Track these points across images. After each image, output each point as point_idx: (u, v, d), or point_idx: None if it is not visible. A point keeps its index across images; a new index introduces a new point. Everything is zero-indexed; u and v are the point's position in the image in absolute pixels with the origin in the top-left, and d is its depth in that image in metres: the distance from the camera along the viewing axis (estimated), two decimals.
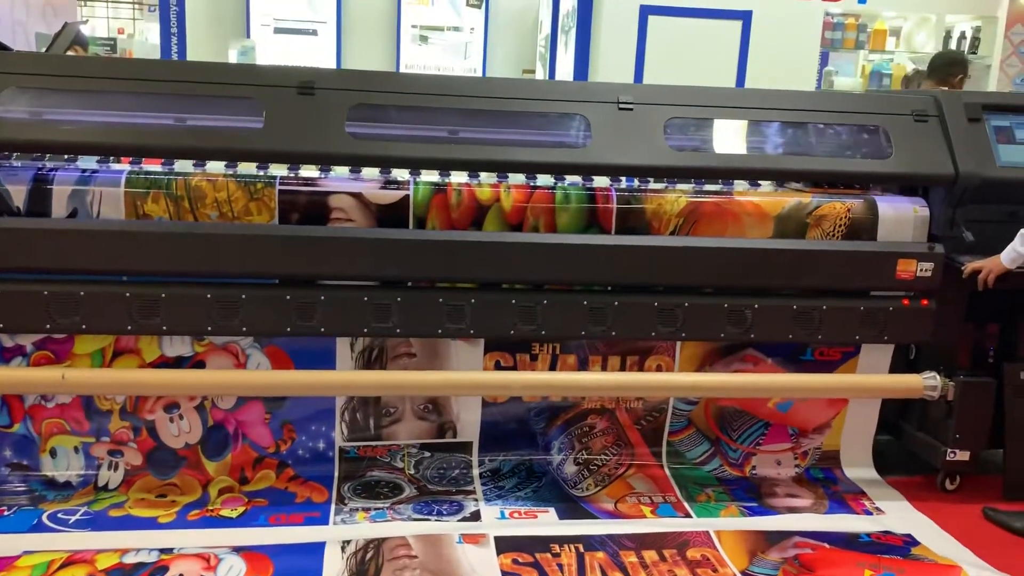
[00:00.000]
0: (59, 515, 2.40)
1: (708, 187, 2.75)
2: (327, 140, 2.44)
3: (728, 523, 2.52)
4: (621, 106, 2.60)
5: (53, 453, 2.59)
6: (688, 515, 2.57)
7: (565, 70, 6.52)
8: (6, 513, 2.40)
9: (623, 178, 2.72)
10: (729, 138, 2.82)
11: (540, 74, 7.87)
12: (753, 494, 2.71)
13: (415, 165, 2.57)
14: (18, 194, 2.40)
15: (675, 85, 2.68)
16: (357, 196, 2.51)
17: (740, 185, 2.79)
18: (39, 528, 2.33)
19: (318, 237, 2.46)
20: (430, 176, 2.62)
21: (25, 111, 2.52)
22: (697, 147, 2.75)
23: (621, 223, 2.62)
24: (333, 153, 2.47)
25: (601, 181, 2.69)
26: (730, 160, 2.72)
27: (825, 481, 2.83)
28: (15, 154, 2.55)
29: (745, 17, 5.89)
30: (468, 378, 2.61)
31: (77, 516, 2.41)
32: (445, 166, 2.58)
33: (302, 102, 2.47)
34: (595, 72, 5.85)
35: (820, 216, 2.68)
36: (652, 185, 2.72)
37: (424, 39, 8.42)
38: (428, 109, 2.59)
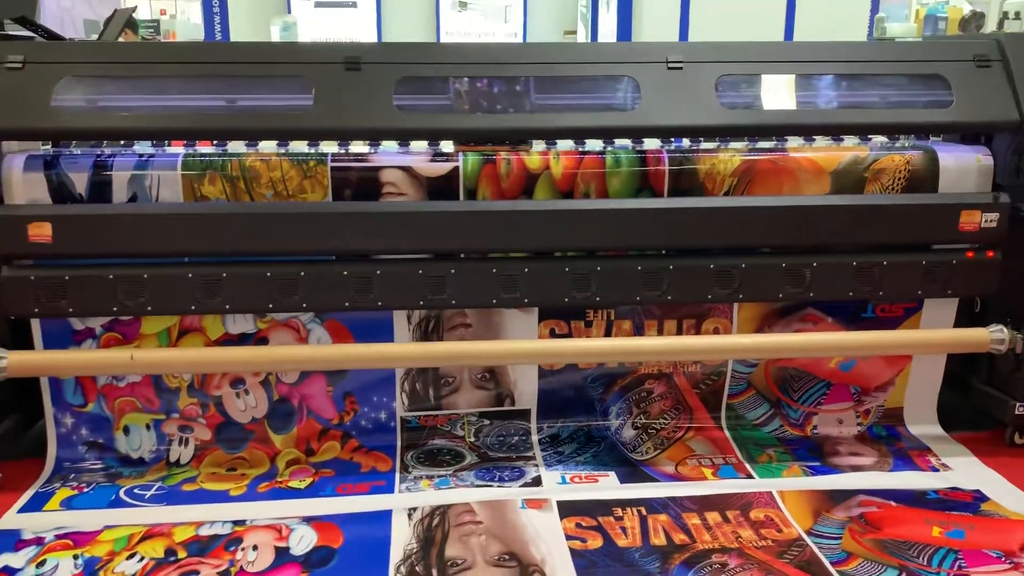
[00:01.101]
0: (135, 490, 2.49)
1: (762, 145, 2.71)
2: (375, 115, 2.45)
3: (791, 483, 2.51)
4: (670, 65, 2.56)
5: (126, 431, 2.68)
6: (750, 476, 2.56)
7: (608, 29, 6.42)
8: (86, 490, 2.49)
9: (674, 139, 2.69)
10: (782, 94, 2.75)
11: (582, 35, 7.76)
12: (815, 453, 2.69)
13: (463, 136, 2.57)
14: (80, 181, 2.47)
15: (726, 41, 2.63)
16: (407, 170, 2.53)
17: (795, 141, 2.74)
18: (117, 503, 2.42)
19: (371, 213, 2.48)
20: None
21: (82, 99, 2.57)
22: (750, 104, 2.70)
23: (674, 185, 2.59)
24: (382, 128, 2.48)
25: (652, 143, 2.67)
26: (784, 116, 2.66)
27: (888, 439, 2.79)
28: (74, 142, 2.62)
29: None
30: (524, 347, 2.63)
31: (152, 491, 2.49)
32: (493, 136, 2.57)
33: (349, 78, 2.48)
34: (639, 31, 5.74)
35: (878, 170, 2.62)
36: (704, 145, 2.69)
37: (463, 5, 8.37)
38: (474, 78, 2.58)
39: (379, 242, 2.50)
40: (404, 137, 2.58)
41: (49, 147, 2.61)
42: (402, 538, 2.22)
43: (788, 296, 2.62)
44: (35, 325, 2.55)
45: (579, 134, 2.61)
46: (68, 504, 2.41)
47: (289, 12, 8.30)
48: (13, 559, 2.14)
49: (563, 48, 2.62)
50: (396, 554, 2.15)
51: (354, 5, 8.45)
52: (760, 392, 2.83)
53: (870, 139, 2.78)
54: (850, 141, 2.77)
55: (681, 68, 2.56)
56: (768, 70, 2.64)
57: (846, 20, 5.73)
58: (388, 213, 2.48)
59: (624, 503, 2.39)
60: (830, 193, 2.62)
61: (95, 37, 3.66)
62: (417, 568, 2.09)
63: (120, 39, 3.05)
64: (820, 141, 2.76)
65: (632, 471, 2.59)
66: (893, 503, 2.39)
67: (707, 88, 2.55)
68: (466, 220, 2.50)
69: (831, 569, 2.08)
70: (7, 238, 2.40)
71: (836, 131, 2.72)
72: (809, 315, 2.75)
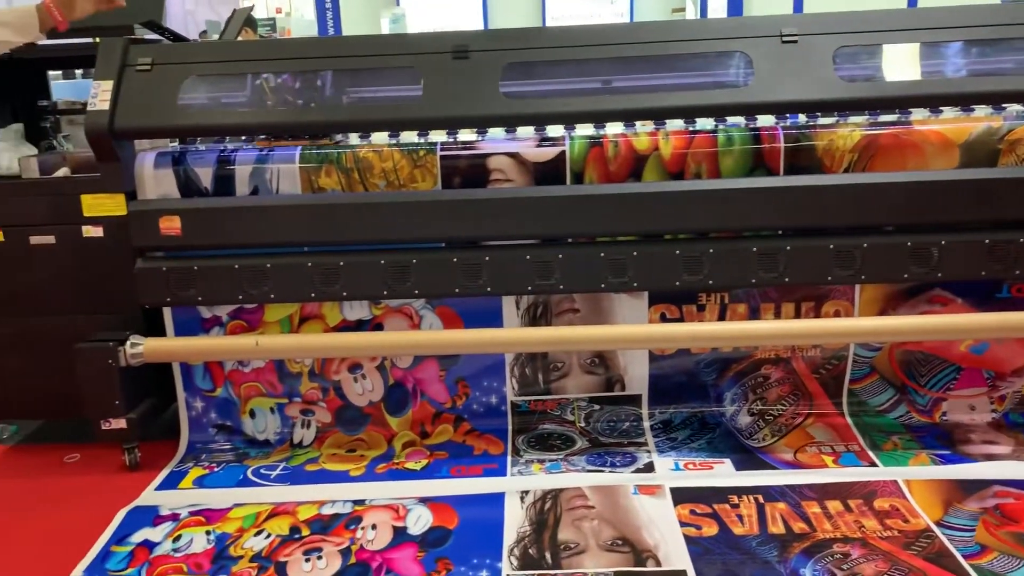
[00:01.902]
0: (262, 470, 2.61)
1: (884, 118, 2.57)
2: (483, 102, 2.46)
3: (918, 472, 2.40)
4: (784, 39, 2.47)
5: (252, 414, 2.81)
6: (873, 464, 2.46)
7: (718, 5, 6.25)
8: (216, 469, 2.63)
9: (789, 116, 2.60)
10: (906, 64, 2.61)
11: (691, 12, 7.59)
12: (945, 441, 2.56)
13: (570, 120, 2.55)
14: (205, 176, 2.59)
15: (843, 12, 2.51)
16: (514, 156, 2.54)
17: (920, 114, 2.59)
18: (245, 483, 2.54)
19: (479, 200, 2.50)
20: (585, 130, 2.59)
21: (205, 97, 2.69)
22: (871, 76, 2.57)
23: (790, 163, 2.50)
24: (489, 115, 2.49)
25: (766, 120, 2.58)
26: (908, 87, 2.52)
27: None
28: (199, 139, 2.74)
29: None
30: (634, 331, 2.59)
31: (277, 471, 2.61)
32: (600, 118, 2.54)
33: (457, 66, 2.50)
34: (750, 6, 5.55)
35: (1014, 140, 2.45)
36: (822, 120, 2.58)
37: None
38: (580, 61, 2.55)
39: (487, 228, 2.52)
40: (511, 123, 2.58)
41: (177, 144, 2.75)
42: (515, 521, 2.24)
43: (914, 276, 2.49)
44: (167, 314, 2.71)
45: (690, 113, 2.55)
46: (200, 483, 2.56)
47: (398, 4, 8.45)
48: (152, 533, 2.28)
49: (672, 26, 2.56)
50: (509, 536, 2.17)
51: None
52: (884, 377, 2.71)
53: (1004, 108, 2.61)
54: (982, 112, 2.60)
55: (796, 41, 2.46)
56: (889, 39, 2.50)
57: None
58: (495, 200, 2.50)
59: (740, 491, 2.34)
60: (959, 167, 2.47)
61: (217, 37, 3.83)
62: (530, 550, 2.11)
63: (240, 38, 3.17)
64: (948, 112, 2.60)
65: (748, 458, 2.53)
66: None
67: (824, 61, 2.44)
68: (573, 204, 2.49)
69: (963, 562, 1.98)
70: (141, 231, 2.55)
71: (966, 101, 2.55)
72: (937, 296, 2.61)
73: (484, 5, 8.34)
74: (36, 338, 2.71)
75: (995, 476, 2.34)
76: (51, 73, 3.22)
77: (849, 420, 2.67)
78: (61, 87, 3.62)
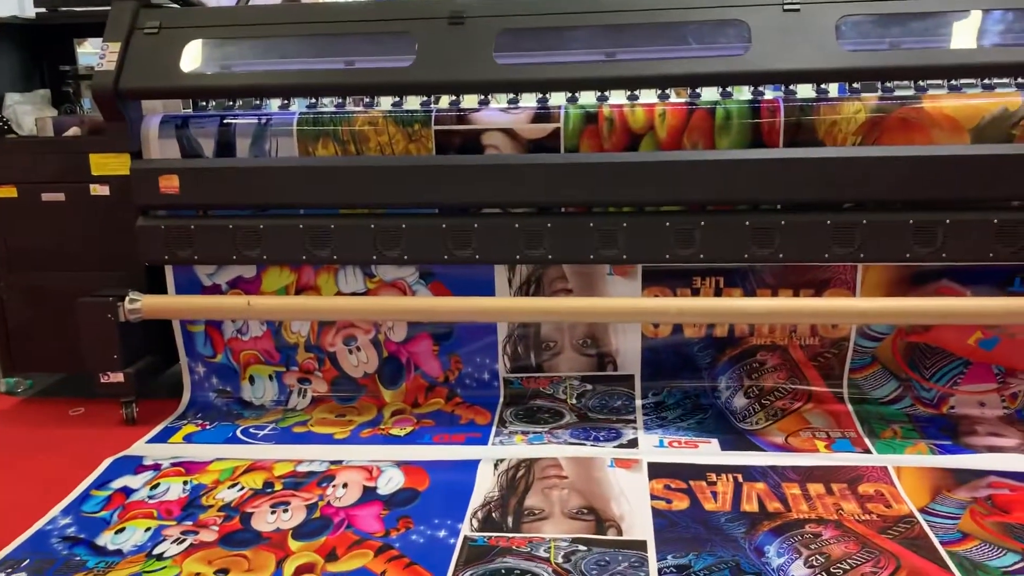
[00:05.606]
0: (251, 430, 2.64)
1: (895, 94, 2.46)
2: (475, 69, 2.46)
3: (911, 460, 2.28)
4: (786, 7, 2.40)
5: (251, 380, 2.84)
6: (868, 451, 2.35)
7: None
8: (207, 427, 2.67)
9: (790, 90, 2.51)
10: (916, 35, 2.50)
11: None
12: (948, 432, 2.43)
13: (562, 87, 2.51)
14: (207, 143, 2.65)
15: None
16: (508, 132, 2.52)
17: (931, 92, 2.47)
18: (232, 440, 2.57)
19: (470, 165, 2.49)
20: (584, 99, 2.55)
21: (208, 59, 2.74)
22: (878, 49, 2.48)
23: (790, 143, 2.42)
24: (481, 80, 2.48)
25: (766, 97, 2.50)
26: (913, 57, 2.41)
27: None
28: (211, 102, 2.78)
29: None
30: (623, 304, 2.54)
31: (266, 431, 2.63)
32: (591, 86, 2.50)
33: (452, 32, 2.50)
34: None
35: None
36: (825, 96, 2.47)
37: None
38: (575, 29, 2.53)
39: (477, 194, 2.50)
40: (501, 90, 2.57)
41: (188, 106, 2.80)
42: (485, 487, 2.21)
43: (916, 256, 2.37)
44: (169, 281, 2.77)
45: (684, 82, 2.48)
46: (190, 438, 2.59)
47: None
48: (132, 481, 2.32)
49: None
50: (476, 500, 2.14)
51: None
52: (887, 368, 2.59)
53: None
54: (1001, 90, 2.47)
55: (798, 10, 2.39)
56: (895, 7, 2.40)
57: None
58: (487, 166, 2.48)
59: (720, 468, 2.26)
60: None
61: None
62: (494, 514, 2.08)
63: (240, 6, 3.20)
64: (963, 90, 2.48)
65: (736, 439, 2.45)
66: None
67: (827, 30, 2.36)
68: (565, 172, 2.45)
69: (940, 548, 1.87)
70: (142, 190, 2.61)
71: (974, 73, 2.41)
72: (944, 287, 2.49)
73: None
74: (47, 293, 2.81)
75: (993, 467, 2.22)
76: (84, 42, 3.33)
77: (850, 407, 2.57)
78: (89, 57, 3.74)
